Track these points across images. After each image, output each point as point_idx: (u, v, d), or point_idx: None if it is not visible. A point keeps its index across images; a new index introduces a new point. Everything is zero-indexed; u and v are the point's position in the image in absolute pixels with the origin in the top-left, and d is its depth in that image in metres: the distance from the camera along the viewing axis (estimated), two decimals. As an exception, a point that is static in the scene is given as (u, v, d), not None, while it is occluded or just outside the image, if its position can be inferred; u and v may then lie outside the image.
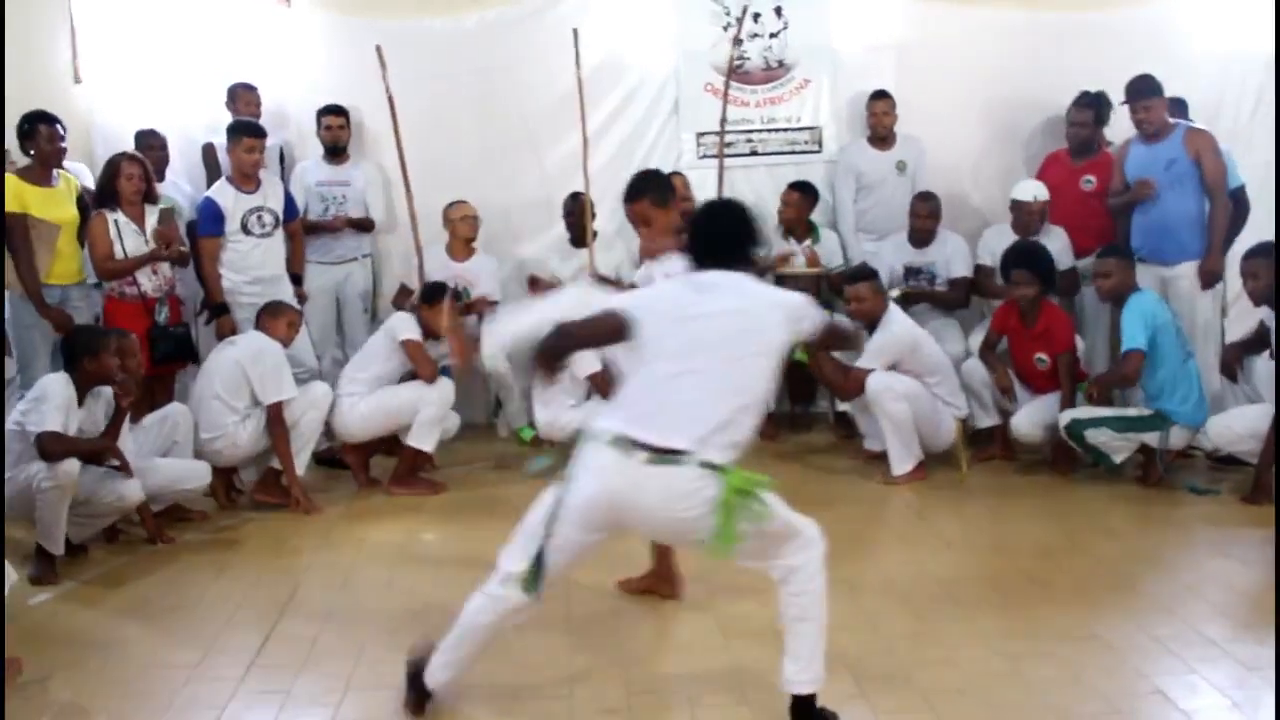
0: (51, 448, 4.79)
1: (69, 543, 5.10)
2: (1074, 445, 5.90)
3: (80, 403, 5.06)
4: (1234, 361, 6.04)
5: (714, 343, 3.24)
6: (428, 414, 6.11)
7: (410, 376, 6.24)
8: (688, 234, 3.56)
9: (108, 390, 5.18)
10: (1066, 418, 5.88)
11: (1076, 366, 6.22)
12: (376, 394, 6.17)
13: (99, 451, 5.06)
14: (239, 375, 5.83)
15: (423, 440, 6.13)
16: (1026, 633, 4.13)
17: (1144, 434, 5.82)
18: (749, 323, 3.29)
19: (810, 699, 3.40)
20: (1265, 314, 5.81)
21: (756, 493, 3.19)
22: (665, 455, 3.14)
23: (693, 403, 3.20)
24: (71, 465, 4.82)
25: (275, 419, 5.83)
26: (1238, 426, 5.66)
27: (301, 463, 5.99)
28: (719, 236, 3.47)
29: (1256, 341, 5.94)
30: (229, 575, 5.02)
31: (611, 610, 4.50)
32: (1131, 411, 5.88)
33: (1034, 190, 6.74)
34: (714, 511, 3.16)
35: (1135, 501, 5.68)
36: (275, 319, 6.03)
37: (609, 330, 3.34)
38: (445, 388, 6.19)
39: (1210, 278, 6.31)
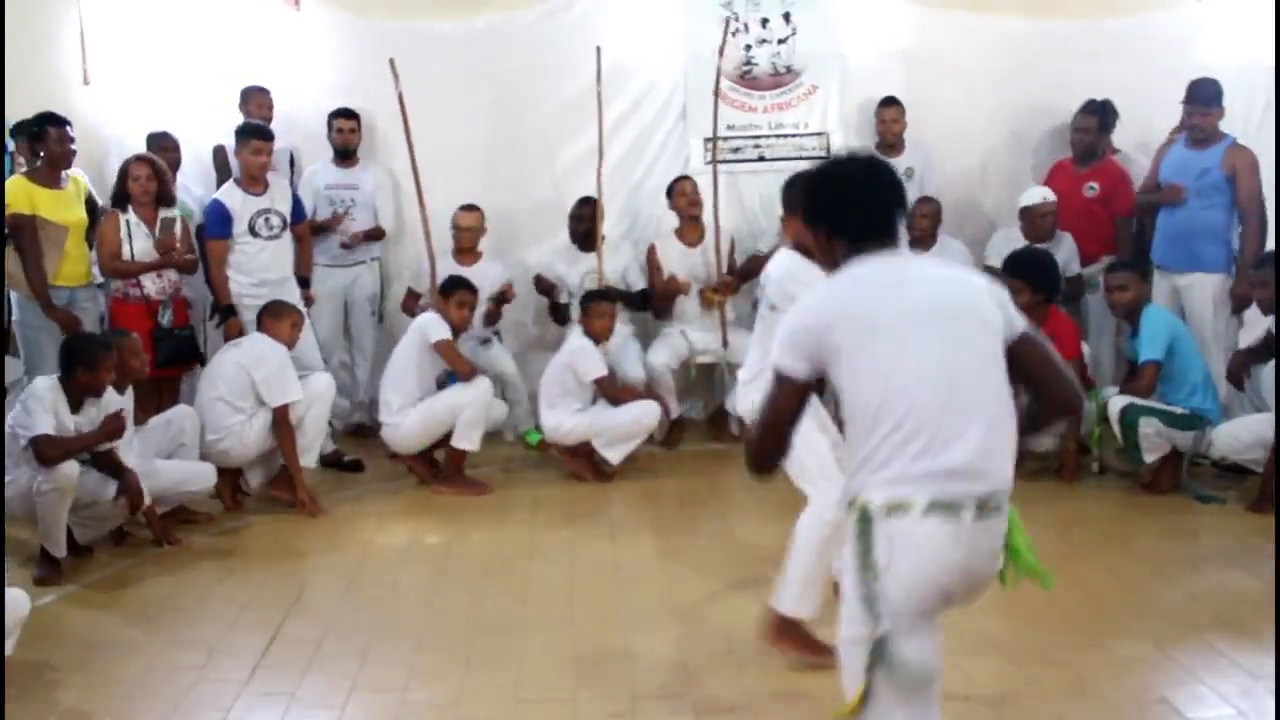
0: (46, 451, 4.78)
1: (75, 544, 5.11)
2: (1118, 433, 5.82)
3: (78, 408, 5.05)
4: (1240, 369, 6.02)
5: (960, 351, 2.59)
6: (468, 415, 6.16)
7: (447, 375, 6.32)
8: (816, 206, 2.80)
9: (113, 396, 5.18)
10: (1122, 403, 5.81)
11: (1083, 374, 6.20)
12: (419, 407, 6.22)
13: (94, 445, 5.03)
14: (243, 379, 5.84)
15: (466, 441, 6.19)
16: (1032, 641, 4.12)
17: (1184, 433, 5.79)
18: (973, 310, 2.65)
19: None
20: (1272, 323, 5.80)
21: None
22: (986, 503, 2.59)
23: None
24: (70, 468, 4.82)
25: (281, 421, 5.84)
26: (1244, 435, 5.65)
27: (310, 458, 6.03)
28: (878, 203, 2.73)
29: (1263, 349, 5.93)
30: (234, 577, 5.02)
31: (615, 612, 4.51)
32: (1178, 409, 5.84)
33: (1042, 193, 6.75)
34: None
35: (1142, 510, 5.67)
36: (277, 320, 6.04)
37: (797, 398, 2.65)
38: (482, 386, 6.26)
39: (1241, 301, 6.26)
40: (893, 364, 2.53)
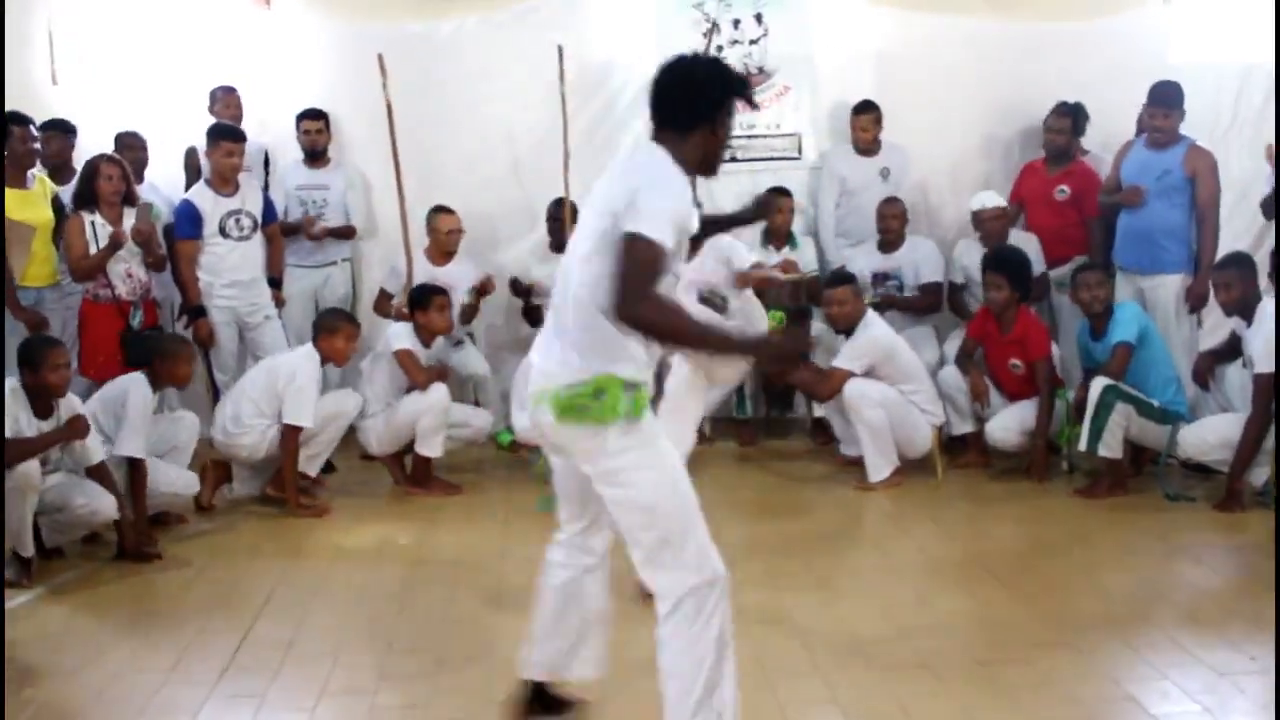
0: (8, 453, 4.73)
1: (43, 546, 5.08)
2: (1089, 412, 5.76)
3: (46, 413, 5.01)
4: (1207, 370, 6.08)
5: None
6: (425, 423, 6.16)
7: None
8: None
9: (75, 400, 5.16)
10: (1104, 383, 5.79)
11: (1052, 374, 6.24)
12: (383, 414, 6.25)
13: (54, 445, 5.00)
14: (274, 386, 5.92)
15: (427, 448, 6.20)
16: (1000, 638, 4.16)
17: (1155, 426, 5.82)
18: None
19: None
20: (1236, 323, 5.85)
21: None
22: None
23: None
24: (29, 467, 4.76)
25: (288, 438, 5.88)
26: (1209, 436, 5.69)
27: (314, 467, 6.13)
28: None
29: (1228, 350, 5.99)
30: (204, 579, 5.00)
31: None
32: (1154, 401, 5.86)
33: (989, 197, 6.81)
34: None
35: (1109, 508, 5.71)
36: (332, 335, 6.06)
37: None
38: (438, 394, 6.23)
39: (1198, 300, 6.33)
40: None
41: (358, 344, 6.33)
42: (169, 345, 5.66)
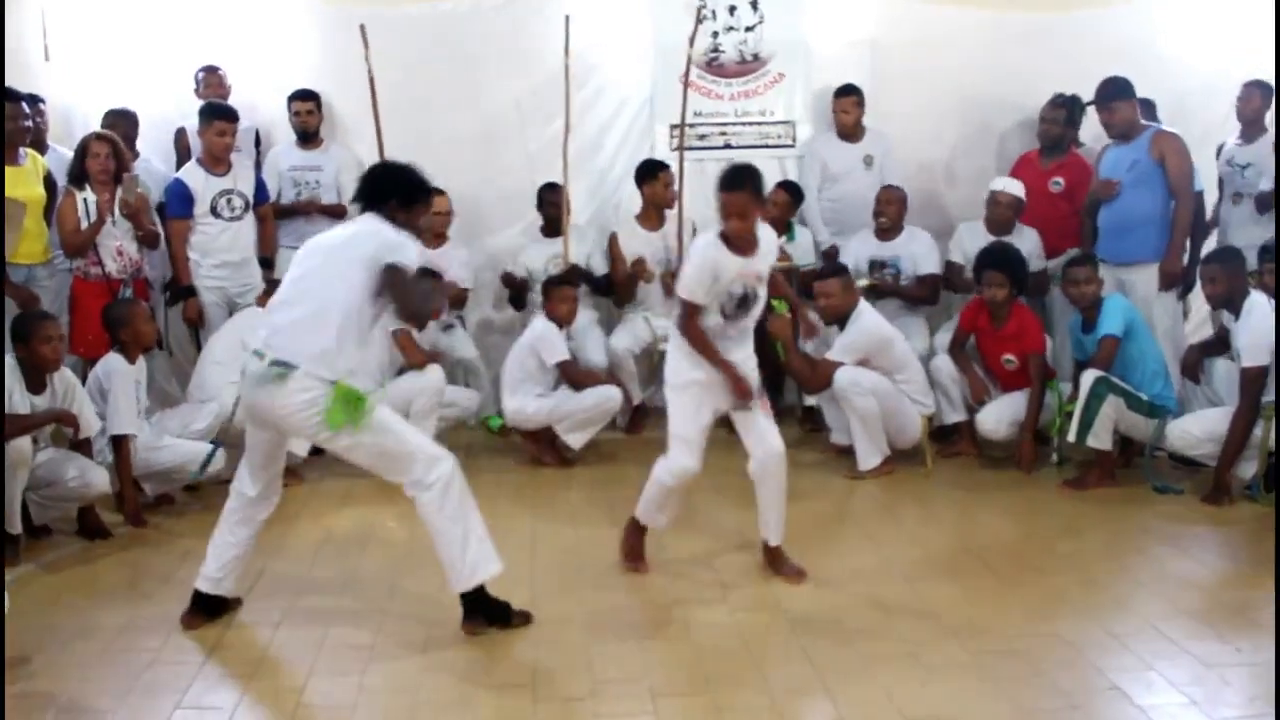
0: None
1: (31, 524, 5.07)
2: (1080, 403, 5.79)
3: (40, 388, 5.02)
4: (1195, 363, 6.10)
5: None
6: (420, 404, 6.16)
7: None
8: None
9: (69, 375, 5.16)
10: (1095, 375, 5.80)
11: (1045, 366, 6.25)
12: (376, 393, 6.20)
13: (48, 422, 5.03)
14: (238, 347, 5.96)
15: (419, 428, 6.13)
16: (988, 628, 4.17)
17: (1144, 419, 5.84)
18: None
19: (473, 594, 4.07)
20: (1225, 316, 5.87)
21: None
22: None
23: None
24: (22, 443, 4.79)
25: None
26: (1196, 430, 5.70)
27: (301, 448, 6.01)
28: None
29: (1217, 343, 6.01)
30: (193, 559, 4.94)
31: (575, 597, 4.52)
32: (1143, 395, 5.86)
33: (1006, 183, 6.81)
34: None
35: (1097, 500, 5.73)
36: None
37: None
38: (434, 375, 6.25)
39: (1169, 279, 6.34)
40: None
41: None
42: (121, 311, 5.60)
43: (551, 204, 7.07)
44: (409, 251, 3.99)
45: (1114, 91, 6.34)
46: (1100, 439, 5.81)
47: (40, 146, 6.37)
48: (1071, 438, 5.86)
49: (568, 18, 6.91)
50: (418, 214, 4.24)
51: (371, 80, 6.67)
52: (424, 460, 3.99)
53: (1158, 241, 6.36)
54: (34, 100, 6.41)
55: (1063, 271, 6.26)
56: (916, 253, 7.01)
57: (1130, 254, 6.38)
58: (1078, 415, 5.80)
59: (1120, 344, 5.86)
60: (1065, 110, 6.91)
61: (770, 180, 7.19)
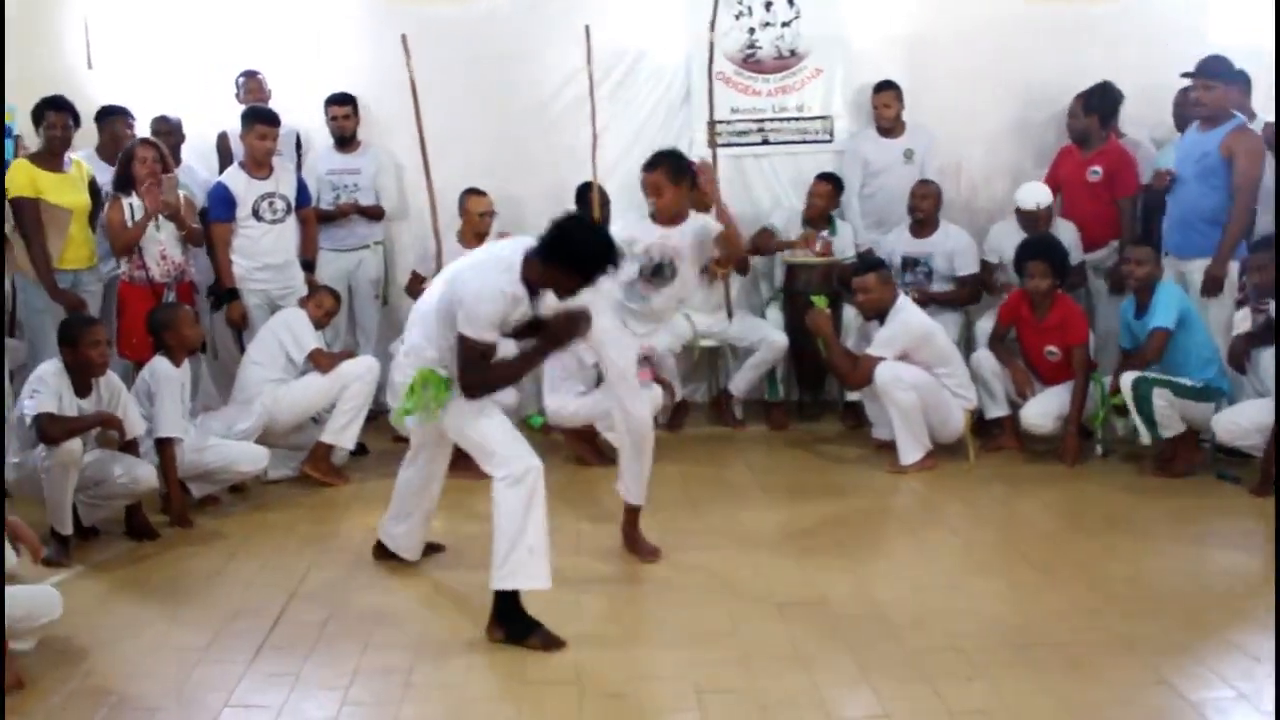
0: (49, 430, 4.83)
1: (81, 525, 5.14)
2: (1132, 406, 5.79)
3: (85, 391, 5.08)
4: (1242, 354, 6.02)
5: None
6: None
7: None
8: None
9: (114, 379, 5.22)
10: (1132, 377, 5.79)
11: (1088, 358, 6.21)
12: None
13: (96, 425, 5.08)
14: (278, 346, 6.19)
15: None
16: (1033, 622, 4.14)
17: (1198, 404, 5.80)
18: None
19: (506, 596, 4.07)
20: (1271, 307, 5.80)
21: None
22: None
23: None
24: (73, 444, 4.86)
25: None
26: (1243, 421, 5.64)
27: (348, 439, 6.16)
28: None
29: (1264, 333, 5.93)
30: (239, 560, 5.04)
31: (619, 595, 4.52)
32: (1188, 381, 5.82)
33: (1036, 197, 6.71)
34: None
35: (1143, 493, 5.68)
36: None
37: None
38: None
39: (1214, 284, 6.17)
40: None
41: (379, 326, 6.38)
42: (165, 315, 5.65)
43: (587, 204, 7.08)
44: (483, 327, 4.03)
45: (1216, 70, 6.09)
46: (1170, 426, 5.79)
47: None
48: (1145, 440, 5.87)
49: (587, 28, 6.89)
50: (570, 280, 4.08)
51: (414, 88, 6.69)
52: (502, 457, 4.17)
53: (1215, 238, 6.16)
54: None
55: (1120, 252, 6.17)
56: (953, 251, 6.96)
57: (1193, 249, 6.26)
58: (1137, 418, 5.81)
59: (1171, 335, 5.81)
60: (1085, 101, 6.81)
61: (809, 175, 7.26)
